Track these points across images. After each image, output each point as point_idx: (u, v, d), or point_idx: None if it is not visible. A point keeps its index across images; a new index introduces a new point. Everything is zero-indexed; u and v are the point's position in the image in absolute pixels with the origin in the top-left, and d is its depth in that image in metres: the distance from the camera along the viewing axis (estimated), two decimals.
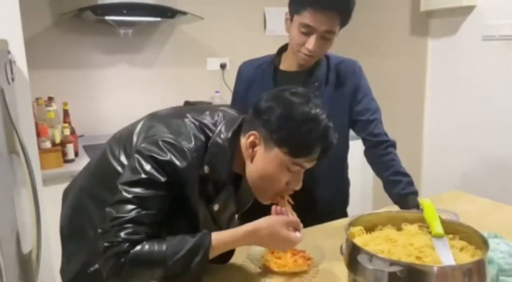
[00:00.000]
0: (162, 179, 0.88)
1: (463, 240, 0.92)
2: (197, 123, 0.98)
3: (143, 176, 0.87)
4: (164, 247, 0.85)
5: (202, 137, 0.95)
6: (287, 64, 1.39)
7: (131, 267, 0.84)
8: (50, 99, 2.29)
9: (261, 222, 0.95)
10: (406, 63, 2.75)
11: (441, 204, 1.02)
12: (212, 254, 0.90)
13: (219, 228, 1.01)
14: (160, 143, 0.90)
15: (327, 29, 1.22)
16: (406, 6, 2.70)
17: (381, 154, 1.35)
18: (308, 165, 0.98)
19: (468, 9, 2.32)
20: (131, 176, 0.89)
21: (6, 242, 1.30)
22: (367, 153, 1.40)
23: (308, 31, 1.22)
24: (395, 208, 1.30)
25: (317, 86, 1.35)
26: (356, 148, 1.51)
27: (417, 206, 1.23)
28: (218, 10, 2.85)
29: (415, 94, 2.70)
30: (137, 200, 0.86)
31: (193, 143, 0.93)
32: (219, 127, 0.98)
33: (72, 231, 1.07)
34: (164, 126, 0.96)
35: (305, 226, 1.33)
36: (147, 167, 0.88)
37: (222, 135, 0.97)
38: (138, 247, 0.84)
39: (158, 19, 2.49)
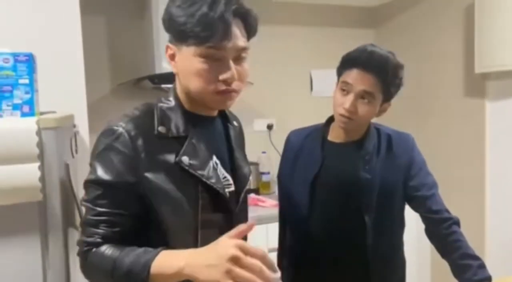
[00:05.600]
0: (106, 177, 0.89)
1: None
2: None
3: (92, 176, 0.90)
4: (115, 256, 0.85)
5: (144, 107, 0.97)
6: (335, 134, 1.38)
7: (89, 267, 0.89)
8: None
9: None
10: (463, 128, 2.63)
11: None
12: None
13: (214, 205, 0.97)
14: (100, 136, 0.94)
15: (365, 89, 1.22)
16: (460, 69, 2.63)
17: (445, 234, 1.27)
18: (228, 46, 0.87)
19: None
20: (88, 175, 0.92)
21: None
22: (428, 232, 1.33)
23: (347, 88, 1.25)
24: None
25: (368, 160, 1.31)
26: (409, 223, 1.44)
27: None
28: (267, 74, 2.90)
29: (474, 161, 2.54)
30: (89, 202, 0.89)
31: (126, 117, 0.94)
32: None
33: None
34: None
35: None
36: (98, 167, 0.90)
37: (164, 96, 1.00)
38: (98, 249, 0.87)
39: None
